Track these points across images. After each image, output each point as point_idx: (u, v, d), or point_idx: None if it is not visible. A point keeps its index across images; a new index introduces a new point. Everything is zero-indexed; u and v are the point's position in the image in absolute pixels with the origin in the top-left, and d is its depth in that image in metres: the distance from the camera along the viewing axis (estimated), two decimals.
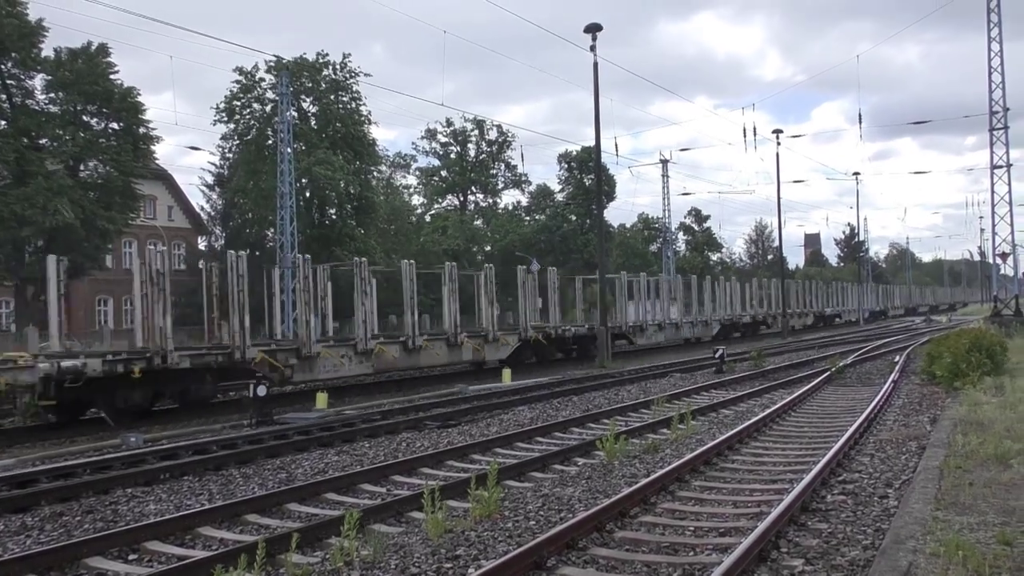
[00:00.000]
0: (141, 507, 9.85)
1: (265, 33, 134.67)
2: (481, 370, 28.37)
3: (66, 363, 16.34)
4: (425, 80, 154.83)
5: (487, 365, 28.56)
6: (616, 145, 75.59)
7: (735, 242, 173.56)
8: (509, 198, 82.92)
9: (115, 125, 44.34)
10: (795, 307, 59.79)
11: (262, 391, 16.88)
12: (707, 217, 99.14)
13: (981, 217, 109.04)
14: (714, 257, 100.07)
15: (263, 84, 52.55)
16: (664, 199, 66.02)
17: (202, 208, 64.78)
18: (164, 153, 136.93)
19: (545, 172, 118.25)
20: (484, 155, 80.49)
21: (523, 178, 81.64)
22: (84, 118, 43.49)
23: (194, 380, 19.31)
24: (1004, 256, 41.17)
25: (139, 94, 44.06)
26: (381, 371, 24.26)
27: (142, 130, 44.84)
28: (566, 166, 78.75)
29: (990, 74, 38.08)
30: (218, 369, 19.69)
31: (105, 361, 16.90)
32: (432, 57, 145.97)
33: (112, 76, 43.21)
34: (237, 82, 52.21)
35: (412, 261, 26.06)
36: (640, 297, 40.31)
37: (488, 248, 73.69)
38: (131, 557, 7.85)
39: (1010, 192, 39.14)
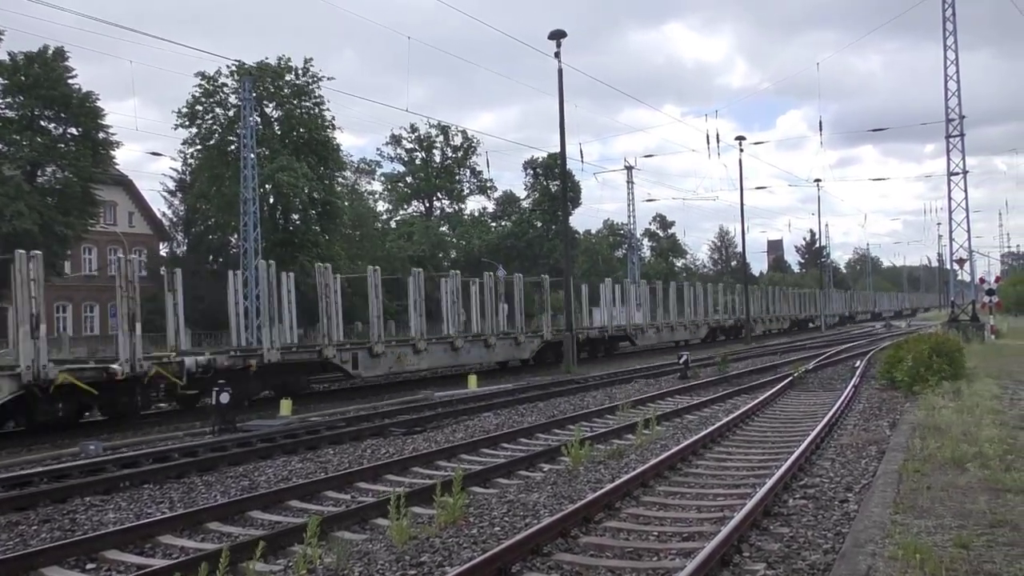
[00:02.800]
0: (100, 516, 9.70)
1: (234, 38, 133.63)
2: None
3: None
4: (397, 88, 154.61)
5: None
6: (581, 152, 76.17)
7: (700, 248, 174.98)
8: (475, 204, 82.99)
9: (74, 130, 43.70)
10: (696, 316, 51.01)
11: (225, 398, 16.69)
12: (672, 223, 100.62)
13: (939, 223, 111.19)
14: (679, 263, 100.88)
15: (225, 89, 52.08)
16: (629, 205, 66.42)
17: (164, 214, 64.08)
18: (127, 159, 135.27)
19: (513, 179, 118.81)
20: (449, 161, 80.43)
21: (489, 184, 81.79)
22: (42, 123, 42.83)
23: None
24: (961, 262, 41.91)
25: (98, 99, 43.49)
26: None
27: (102, 135, 44.24)
28: (532, 172, 79.02)
29: (946, 83, 38.86)
30: None
31: None
32: (401, 64, 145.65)
33: (71, 81, 42.62)
34: (199, 86, 51.70)
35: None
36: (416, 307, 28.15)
37: (454, 254, 73.58)
38: (89, 566, 7.74)
39: (966, 198, 40.01)
